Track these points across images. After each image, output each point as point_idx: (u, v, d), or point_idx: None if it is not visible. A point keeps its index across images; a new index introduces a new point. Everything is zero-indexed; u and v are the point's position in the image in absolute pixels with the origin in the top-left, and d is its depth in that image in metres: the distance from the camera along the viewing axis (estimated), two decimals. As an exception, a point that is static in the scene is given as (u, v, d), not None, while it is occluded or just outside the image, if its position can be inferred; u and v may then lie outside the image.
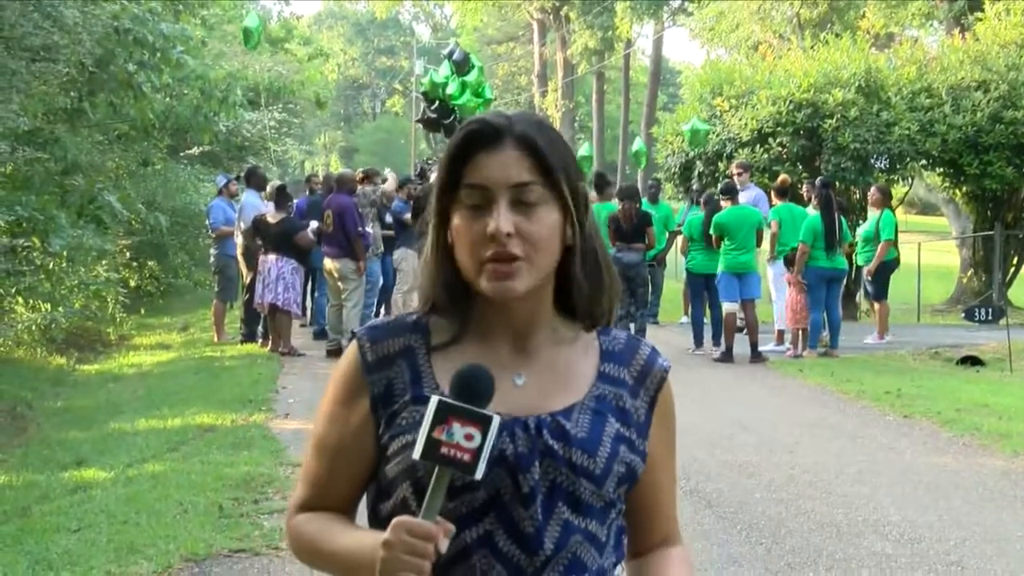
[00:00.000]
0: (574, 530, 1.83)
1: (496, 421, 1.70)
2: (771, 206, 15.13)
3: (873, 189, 16.12)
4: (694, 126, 19.50)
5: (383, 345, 1.92)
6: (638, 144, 25.29)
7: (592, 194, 14.15)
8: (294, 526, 1.96)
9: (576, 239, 1.89)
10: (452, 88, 20.61)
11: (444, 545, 1.70)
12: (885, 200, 15.49)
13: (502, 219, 1.80)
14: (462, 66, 20.85)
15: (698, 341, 14.68)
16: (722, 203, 14.14)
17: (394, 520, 1.71)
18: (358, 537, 1.85)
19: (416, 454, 1.70)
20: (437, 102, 21.19)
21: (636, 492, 1.95)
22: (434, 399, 1.71)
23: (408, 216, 14.83)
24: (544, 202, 1.85)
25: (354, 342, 1.94)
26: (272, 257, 14.03)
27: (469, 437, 1.69)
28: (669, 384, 2.00)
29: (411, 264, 14.91)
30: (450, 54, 21.72)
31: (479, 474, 1.69)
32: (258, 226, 14.28)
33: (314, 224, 14.49)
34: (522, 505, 1.80)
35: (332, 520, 1.91)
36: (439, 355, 1.90)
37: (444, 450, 1.69)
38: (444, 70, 21.17)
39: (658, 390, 1.98)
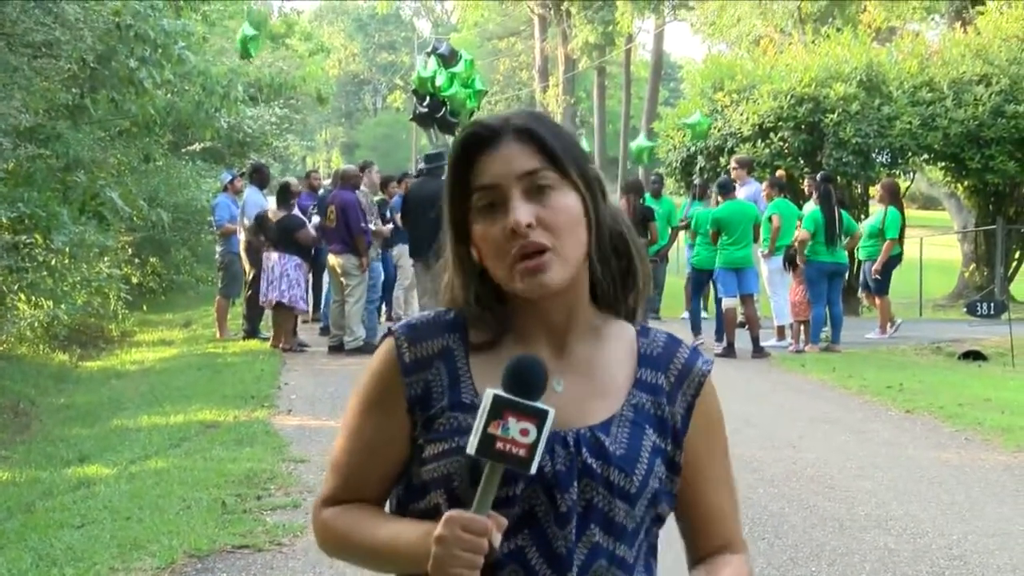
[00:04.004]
0: (600, 554, 1.80)
1: (552, 415, 1.67)
2: (767, 199, 15.06)
3: (880, 184, 16.08)
4: (699, 119, 19.47)
5: (421, 346, 1.87)
6: (642, 141, 24.86)
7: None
8: (324, 520, 1.92)
9: (594, 223, 1.84)
10: (440, 80, 20.56)
11: (497, 540, 1.68)
12: (891, 197, 15.43)
13: (520, 211, 1.76)
14: (449, 59, 20.81)
15: (695, 329, 14.65)
16: (718, 199, 14.14)
17: (447, 514, 1.68)
18: (399, 528, 1.82)
19: (471, 449, 1.67)
20: (428, 97, 21.15)
21: (684, 499, 1.91)
22: (489, 393, 1.68)
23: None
24: (558, 187, 1.80)
25: (390, 340, 1.89)
26: (275, 254, 14.04)
27: (525, 432, 1.66)
28: (711, 385, 1.94)
29: (410, 260, 14.91)
30: (434, 50, 21.70)
31: (534, 468, 1.67)
32: (261, 223, 14.30)
33: (315, 219, 14.49)
34: (557, 524, 1.77)
35: (366, 512, 1.88)
36: (477, 358, 1.86)
37: (499, 445, 1.66)
38: (432, 65, 21.10)
39: (696, 394, 1.91)
